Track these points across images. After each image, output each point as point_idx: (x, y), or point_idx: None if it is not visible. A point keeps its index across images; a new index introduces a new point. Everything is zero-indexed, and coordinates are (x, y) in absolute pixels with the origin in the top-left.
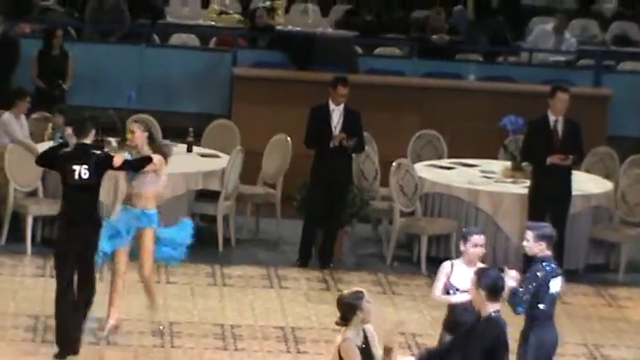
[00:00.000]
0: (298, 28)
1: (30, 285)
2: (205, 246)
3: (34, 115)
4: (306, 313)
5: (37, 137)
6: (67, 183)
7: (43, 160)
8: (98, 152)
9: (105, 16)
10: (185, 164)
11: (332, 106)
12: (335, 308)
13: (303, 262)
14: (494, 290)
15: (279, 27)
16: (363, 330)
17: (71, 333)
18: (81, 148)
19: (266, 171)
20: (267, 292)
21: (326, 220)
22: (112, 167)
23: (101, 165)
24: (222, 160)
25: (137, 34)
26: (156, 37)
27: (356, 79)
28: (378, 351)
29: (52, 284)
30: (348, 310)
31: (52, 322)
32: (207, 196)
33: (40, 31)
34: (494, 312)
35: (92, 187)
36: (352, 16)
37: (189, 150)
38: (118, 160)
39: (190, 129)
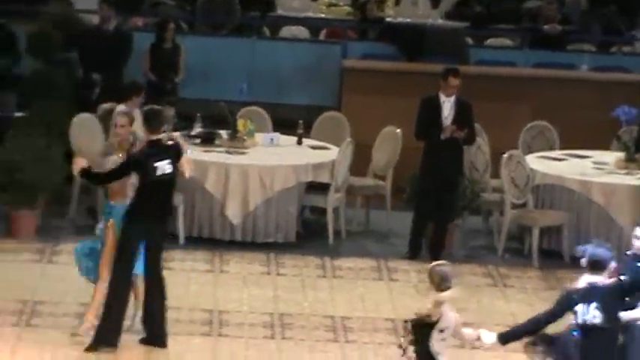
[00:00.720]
0: (408, 20)
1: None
2: (315, 238)
3: (146, 108)
4: (415, 305)
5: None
6: (150, 179)
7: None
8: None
9: (216, 9)
10: (295, 156)
11: (442, 97)
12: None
13: (413, 254)
14: None
15: (388, 19)
16: None
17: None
18: (158, 144)
19: (376, 163)
20: (377, 284)
21: (436, 213)
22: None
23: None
24: (332, 152)
25: (248, 26)
26: (266, 30)
27: (466, 71)
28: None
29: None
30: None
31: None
32: (318, 188)
33: (152, 25)
34: None
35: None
36: (462, 7)
37: (299, 142)
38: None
39: (300, 121)
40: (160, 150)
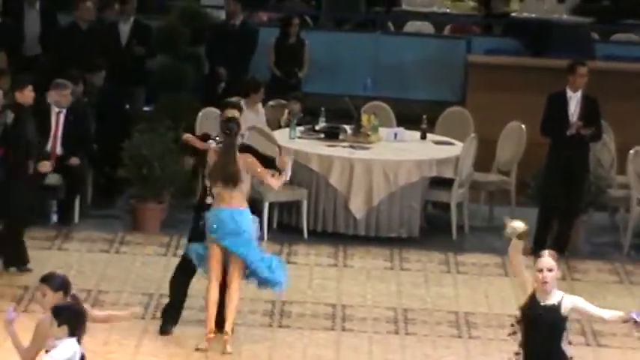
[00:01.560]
0: (534, 15)
1: (322, 273)
2: (439, 233)
3: (271, 103)
4: None
5: (274, 124)
6: None
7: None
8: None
9: (341, 4)
10: (419, 151)
11: (569, 93)
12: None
13: (539, 249)
14: None
15: (514, 14)
16: None
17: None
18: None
19: (500, 158)
20: (501, 280)
21: (562, 209)
22: None
23: None
24: (456, 148)
25: (372, 21)
26: (390, 25)
27: (592, 66)
28: None
29: (289, 269)
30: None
31: (290, 308)
32: (441, 183)
33: (277, 20)
34: None
35: None
36: (589, 2)
37: (423, 137)
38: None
39: (424, 116)
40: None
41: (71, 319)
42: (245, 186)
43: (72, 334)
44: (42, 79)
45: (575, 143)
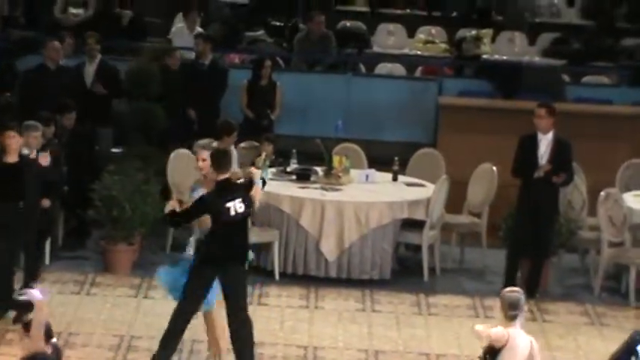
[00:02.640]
0: (505, 57)
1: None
2: (411, 275)
3: (243, 145)
4: None
5: (246, 166)
6: (224, 220)
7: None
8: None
9: (312, 46)
10: (390, 193)
11: (540, 135)
12: (543, 340)
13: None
14: None
15: (485, 56)
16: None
17: None
18: (229, 184)
19: (471, 200)
20: (473, 321)
21: (532, 250)
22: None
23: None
24: (428, 189)
25: (344, 63)
26: (362, 67)
27: (563, 108)
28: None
29: (260, 311)
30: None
31: (261, 349)
32: (413, 225)
33: (249, 62)
34: None
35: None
36: (559, 45)
37: (395, 179)
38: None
39: (396, 158)
40: (230, 189)
41: None
42: None
43: None
44: (9, 120)
45: (544, 185)
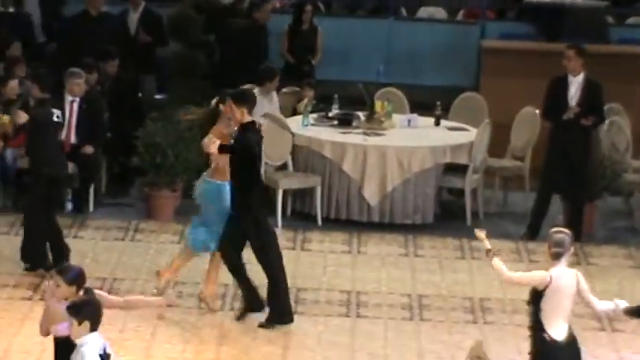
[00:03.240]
0: None
1: (337, 260)
2: (453, 219)
3: (284, 90)
4: None
5: (287, 111)
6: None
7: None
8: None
9: None
10: (433, 138)
11: (570, 77)
12: (588, 283)
13: (531, 234)
14: None
15: None
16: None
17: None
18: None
19: (514, 144)
20: (515, 265)
21: (569, 193)
22: None
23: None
24: (470, 134)
25: (385, 7)
26: (403, 11)
27: (607, 50)
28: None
29: (303, 257)
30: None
31: (304, 295)
32: (455, 169)
33: (289, 7)
34: None
35: None
36: None
37: (437, 123)
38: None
39: (438, 102)
40: (257, 132)
41: (91, 314)
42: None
43: (93, 329)
44: (54, 68)
45: (574, 127)
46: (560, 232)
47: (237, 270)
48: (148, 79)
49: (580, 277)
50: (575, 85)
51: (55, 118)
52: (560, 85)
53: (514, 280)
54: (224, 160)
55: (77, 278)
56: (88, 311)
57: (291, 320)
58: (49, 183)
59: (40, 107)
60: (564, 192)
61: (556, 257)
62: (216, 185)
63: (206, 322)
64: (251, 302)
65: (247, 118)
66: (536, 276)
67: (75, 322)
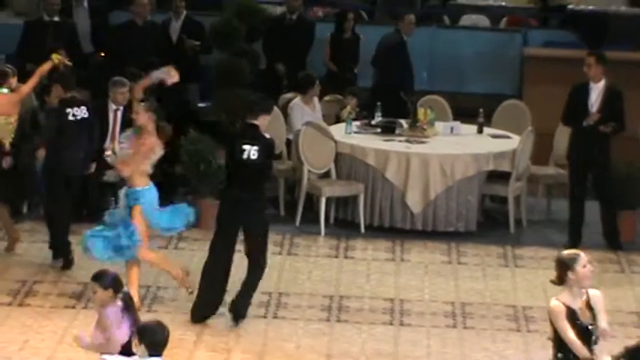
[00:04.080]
0: (591, 7)
1: (324, 265)
2: (497, 227)
3: (327, 98)
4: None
5: (330, 119)
6: (236, 161)
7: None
8: (267, 136)
9: None
10: (476, 145)
11: (591, 84)
12: (630, 292)
13: (573, 242)
14: None
15: (570, 6)
16: (587, 294)
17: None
18: (251, 128)
19: (557, 151)
20: None
21: (598, 200)
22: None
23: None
24: (513, 141)
25: (428, 15)
26: (446, 18)
27: None
28: (601, 317)
29: (346, 264)
30: (560, 267)
31: (348, 302)
32: (499, 177)
33: (332, 15)
34: None
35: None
36: None
37: (480, 131)
38: None
39: (481, 110)
40: (252, 135)
41: (151, 343)
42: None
43: (151, 355)
44: (97, 77)
45: (594, 134)
46: (570, 253)
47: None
48: (192, 87)
49: (597, 300)
50: (596, 92)
51: (71, 117)
52: (581, 92)
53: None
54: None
55: (113, 282)
56: (149, 339)
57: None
58: (62, 183)
59: (58, 108)
60: (594, 197)
61: (561, 282)
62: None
63: (250, 330)
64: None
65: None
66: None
67: (136, 340)
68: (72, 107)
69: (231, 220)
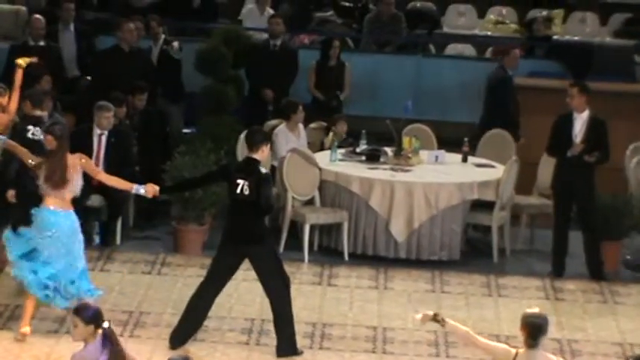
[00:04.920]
0: (576, 38)
1: (307, 292)
2: (480, 256)
3: (312, 125)
4: (582, 325)
5: (315, 146)
6: (231, 195)
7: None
8: (263, 170)
9: (382, 26)
10: (460, 174)
11: (575, 114)
12: (613, 322)
13: (556, 272)
14: None
15: (556, 36)
16: None
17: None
18: (249, 162)
19: (541, 181)
20: (542, 303)
21: (581, 230)
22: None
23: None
24: (498, 170)
25: (413, 44)
26: (432, 47)
27: (634, 89)
28: None
29: (329, 292)
30: (536, 331)
31: (330, 330)
32: (483, 206)
33: (318, 42)
34: None
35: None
36: (632, 25)
37: (465, 160)
38: None
39: (465, 139)
40: (248, 168)
41: None
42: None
43: None
44: (84, 102)
45: (578, 164)
46: (537, 316)
47: None
48: (175, 113)
49: None
50: (580, 122)
51: (30, 135)
52: (565, 122)
53: (478, 345)
54: None
55: (94, 317)
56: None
57: None
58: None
59: (19, 125)
60: (578, 227)
61: (531, 347)
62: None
63: (232, 356)
64: None
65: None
66: (500, 348)
67: None
68: (34, 126)
69: (231, 250)
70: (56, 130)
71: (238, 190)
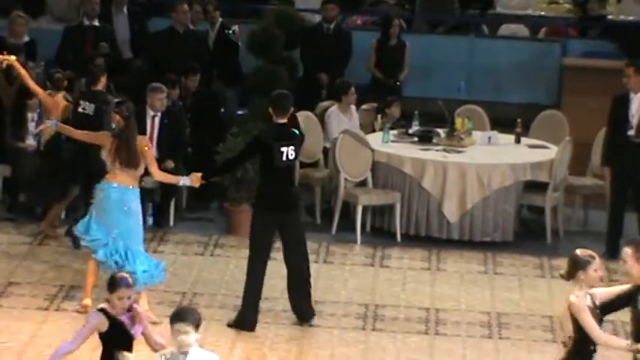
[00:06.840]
0: (631, 18)
1: (360, 273)
2: (533, 237)
3: (364, 107)
4: None
5: (367, 127)
6: (275, 165)
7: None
8: (296, 131)
9: (435, 7)
10: (513, 155)
11: (632, 94)
12: None
13: (611, 254)
14: None
15: (610, 16)
16: (590, 295)
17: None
18: (283, 128)
19: (595, 162)
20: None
21: (637, 211)
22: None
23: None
24: (551, 151)
25: (466, 24)
26: (485, 28)
27: None
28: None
29: (382, 273)
30: (572, 265)
31: (383, 311)
32: (536, 187)
33: (371, 24)
34: None
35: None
36: None
37: (518, 141)
38: None
39: (518, 120)
40: (286, 134)
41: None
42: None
43: None
44: (137, 83)
45: (635, 145)
46: (584, 252)
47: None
48: (230, 94)
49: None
50: (637, 103)
51: (81, 110)
52: (621, 103)
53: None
54: None
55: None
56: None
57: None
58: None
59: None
60: (634, 209)
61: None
62: None
63: (285, 337)
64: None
65: None
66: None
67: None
68: (88, 101)
69: (268, 220)
70: (124, 110)
71: (284, 158)
